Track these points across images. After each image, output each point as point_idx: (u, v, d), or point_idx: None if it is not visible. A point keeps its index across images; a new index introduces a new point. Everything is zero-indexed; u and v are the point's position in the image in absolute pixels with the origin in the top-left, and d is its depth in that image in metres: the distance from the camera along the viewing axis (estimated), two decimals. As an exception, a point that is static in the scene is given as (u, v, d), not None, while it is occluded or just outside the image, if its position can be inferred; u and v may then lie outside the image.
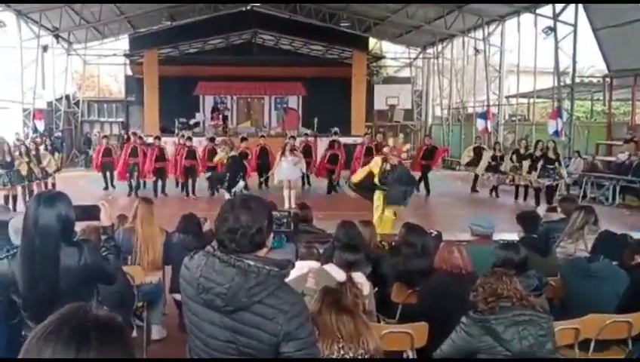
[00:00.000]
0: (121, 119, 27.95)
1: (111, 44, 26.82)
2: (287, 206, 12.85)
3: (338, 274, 4.02)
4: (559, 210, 6.98)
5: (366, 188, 9.96)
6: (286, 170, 13.80)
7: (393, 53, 30.16)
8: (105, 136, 16.39)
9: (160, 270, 5.92)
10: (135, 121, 26.55)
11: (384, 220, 9.35)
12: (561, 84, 18.47)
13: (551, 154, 13.49)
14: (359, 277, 4.01)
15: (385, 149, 10.27)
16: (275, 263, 2.39)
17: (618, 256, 4.88)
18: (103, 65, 28.63)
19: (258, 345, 2.31)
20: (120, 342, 1.39)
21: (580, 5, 17.01)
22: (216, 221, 2.46)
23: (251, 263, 2.33)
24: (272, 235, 2.54)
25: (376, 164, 9.72)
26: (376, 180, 9.62)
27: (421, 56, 28.74)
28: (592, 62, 24.42)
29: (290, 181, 13.71)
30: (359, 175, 10.28)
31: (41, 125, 21.99)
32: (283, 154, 13.97)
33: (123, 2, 19.66)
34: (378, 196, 9.59)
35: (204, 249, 2.48)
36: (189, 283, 2.43)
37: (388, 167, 9.42)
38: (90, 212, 3.70)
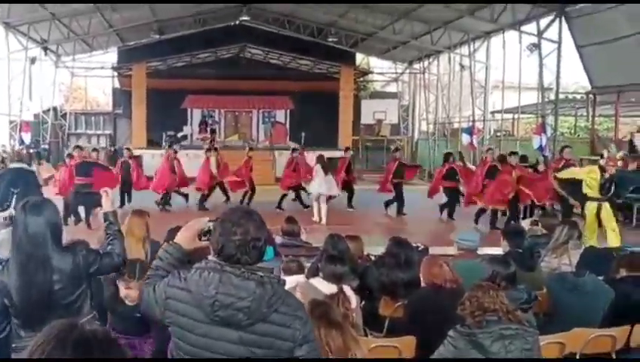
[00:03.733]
0: (108, 131, 27.88)
1: (99, 57, 26.81)
2: (318, 219, 13.27)
3: (325, 287, 4.06)
4: (540, 225, 7.12)
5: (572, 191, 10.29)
6: (325, 184, 13.59)
7: (380, 69, 30.42)
8: (95, 150, 15.74)
9: None
10: (122, 133, 26.58)
11: (612, 233, 9.28)
12: (546, 100, 18.58)
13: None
14: (347, 289, 4.03)
15: (601, 161, 10.24)
16: (270, 271, 2.47)
17: (603, 271, 4.97)
18: (91, 77, 28.59)
19: (275, 353, 2.34)
20: (120, 355, 1.47)
21: (564, 22, 17.27)
22: (220, 235, 2.41)
23: (262, 274, 2.38)
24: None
25: (589, 173, 9.66)
26: (591, 191, 9.55)
27: (408, 71, 28.95)
28: (575, 78, 24.86)
29: (326, 196, 13.60)
30: (565, 174, 10.53)
31: (27, 137, 21.82)
32: (326, 168, 13.73)
33: (110, 2, 19.55)
34: (594, 207, 9.47)
35: (200, 266, 2.43)
36: (194, 304, 2.37)
37: (607, 176, 9.41)
38: (95, 198, 3.82)
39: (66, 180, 12.69)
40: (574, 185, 10.15)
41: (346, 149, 16.80)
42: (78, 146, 14.91)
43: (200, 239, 2.67)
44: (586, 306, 4.50)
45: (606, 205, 9.46)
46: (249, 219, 2.43)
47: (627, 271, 4.76)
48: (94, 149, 15.92)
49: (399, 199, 14.55)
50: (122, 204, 14.46)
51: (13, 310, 3.47)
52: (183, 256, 2.71)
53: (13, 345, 3.48)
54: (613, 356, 4.41)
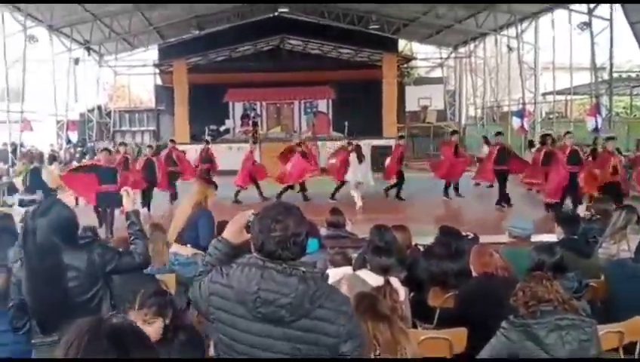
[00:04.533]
0: (152, 128, 28.25)
1: (140, 55, 27.29)
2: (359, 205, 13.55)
3: (372, 279, 3.97)
4: (593, 210, 6.85)
5: None
6: (360, 172, 14.16)
7: (424, 54, 30.13)
8: (149, 146, 15.69)
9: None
10: (166, 129, 26.85)
11: None
12: (599, 79, 18.12)
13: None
14: (395, 281, 3.89)
15: None
16: (313, 266, 2.48)
17: None
18: (133, 75, 28.96)
19: (319, 350, 2.31)
20: (148, 344, 1.51)
21: (617, -1, 16.59)
22: (260, 232, 2.39)
23: (304, 269, 2.36)
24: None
25: None
26: None
27: (453, 55, 28.51)
28: (629, 56, 24.03)
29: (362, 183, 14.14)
30: None
31: (74, 136, 22.35)
32: (360, 156, 14.25)
33: (146, 2, 19.73)
34: None
35: (242, 261, 2.43)
36: (236, 299, 2.36)
37: None
38: (115, 198, 3.76)
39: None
40: None
41: (400, 137, 16.65)
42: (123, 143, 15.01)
43: (248, 232, 2.61)
44: None
45: None
46: (288, 215, 2.41)
47: None
48: (149, 146, 16.03)
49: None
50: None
51: (30, 310, 3.53)
52: (230, 250, 2.68)
53: (34, 341, 3.50)
54: None
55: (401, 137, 16.75)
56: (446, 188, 14.55)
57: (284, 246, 2.35)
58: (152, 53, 26.68)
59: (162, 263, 5.45)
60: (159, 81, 28.28)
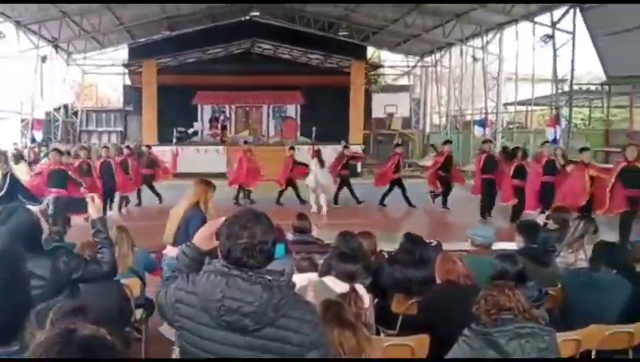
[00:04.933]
0: (119, 129, 27.99)
1: (110, 54, 27.05)
2: (318, 210, 13.84)
3: (338, 286, 3.99)
4: (552, 220, 6.92)
5: None
6: (321, 176, 14.37)
7: (391, 62, 30.47)
8: (105, 147, 14.93)
9: None
10: (133, 130, 26.62)
11: None
12: (560, 91, 18.60)
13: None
14: (360, 288, 3.96)
15: None
16: (281, 274, 2.40)
17: (617, 265, 4.87)
18: (102, 74, 28.70)
19: (283, 359, 2.30)
20: (119, 355, 1.51)
21: (578, 12, 17.13)
22: (228, 238, 2.38)
23: (270, 277, 2.32)
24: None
25: None
26: None
27: (419, 64, 29.00)
28: (590, 69, 24.65)
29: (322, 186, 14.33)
30: None
31: (39, 135, 22.01)
32: (321, 160, 14.56)
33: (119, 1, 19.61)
34: None
35: (208, 269, 2.41)
36: (201, 307, 2.34)
37: None
38: (79, 205, 3.64)
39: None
40: None
41: (396, 145, 16.81)
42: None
43: (217, 239, 2.57)
44: (602, 302, 4.42)
45: None
46: (256, 222, 2.39)
47: None
48: (105, 147, 15.25)
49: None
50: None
51: None
52: (199, 256, 2.66)
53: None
54: (630, 353, 4.34)
55: (398, 145, 16.77)
56: (440, 197, 14.64)
57: (251, 254, 2.34)
58: (121, 53, 26.43)
59: (127, 267, 5.38)
60: (128, 81, 27.99)
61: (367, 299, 3.95)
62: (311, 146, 17.20)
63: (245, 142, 18.31)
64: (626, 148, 10.44)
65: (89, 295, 3.74)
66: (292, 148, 16.28)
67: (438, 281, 4.55)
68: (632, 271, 4.89)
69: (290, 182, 15.32)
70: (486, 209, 13.18)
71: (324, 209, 13.94)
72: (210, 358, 2.35)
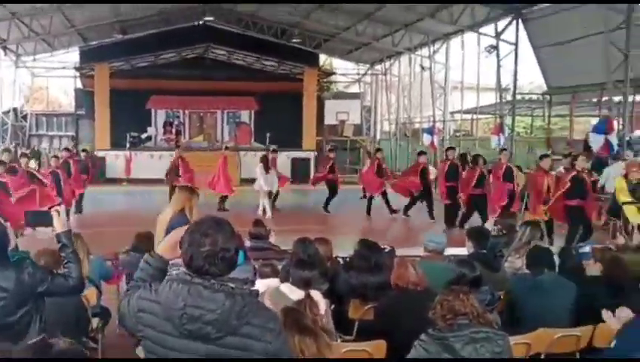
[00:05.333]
0: (71, 133, 27.52)
1: (61, 57, 26.49)
2: (263, 214, 13.82)
3: (294, 293, 4.03)
4: (499, 226, 7.21)
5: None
6: (269, 180, 14.68)
7: (343, 70, 30.84)
8: (55, 157, 14.33)
9: None
10: (85, 134, 26.22)
11: None
12: (503, 100, 19.03)
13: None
14: (316, 294, 3.97)
15: (621, 170, 10.17)
16: (245, 282, 2.41)
17: (563, 269, 5.27)
18: (53, 77, 28.23)
19: None
20: None
21: (521, 24, 17.80)
22: (190, 246, 2.36)
23: (232, 285, 2.32)
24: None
25: (619, 183, 9.79)
26: (624, 196, 9.59)
27: (370, 72, 29.45)
28: (532, 79, 25.60)
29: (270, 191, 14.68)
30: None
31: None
32: (267, 166, 14.77)
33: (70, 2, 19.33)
34: (631, 210, 9.50)
35: (171, 277, 2.41)
36: (163, 316, 2.32)
37: (634, 181, 9.49)
38: (44, 218, 3.61)
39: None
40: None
41: (330, 150, 17.06)
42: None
43: (181, 248, 2.50)
44: (548, 305, 4.57)
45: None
46: (218, 230, 2.36)
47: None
48: (54, 156, 14.53)
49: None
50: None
51: None
52: (163, 265, 2.61)
53: None
54: (578, 356, 4.48)
55: (331, 150, 17.01)
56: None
57: (212, 262, 2.31)
58: (72, 56, 26.00)
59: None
60: (80, 85, 27.58)
61: (323, 304, 3.95)
62: (265, 152, 17.38)
63: (227, 148, 18.26)
64: (578, 157, 10.69)
65: (47, 304, 3.69)
66: (274, 150, 16.56)
67: (394, 286, 4.67)
68: (579, 275, 5.14)
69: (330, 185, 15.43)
70: (454, 216, 13.21)
71: (269, 213, 14.11)
72: None
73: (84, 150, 17.15)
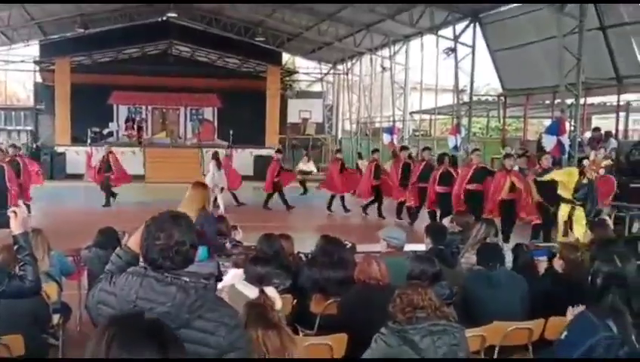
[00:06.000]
0: (29, 128, 27.07)
1: (20, 50, 26.00)
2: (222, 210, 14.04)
3: (248, 290, 3.99)
4: (455, 222, 7.28)
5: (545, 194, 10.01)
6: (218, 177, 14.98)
7: (306, 69, 31.06)
8: (13, 145, 13.90)
9: None
10: (45, 129, 25.88)
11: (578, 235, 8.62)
12: (460, 101, 19.34)
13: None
14: (271, 291, 3.88)
15: (584, 162, 9.68)
16: (205, 276, 2.43)
17: (516, 265, 5.52)
18: (10, 71, 27.75)
19: (199, 360, 2.28)
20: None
21: (478, 28, 18.16)
22: (145, 240, 2.40)
23: (187, 279, 2.33)
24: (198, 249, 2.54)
25: (569, 175, 9.43)
26: (565, 193, 9.33)
27: (332, 72, 29.75)
28: (488, 80, 25.97)
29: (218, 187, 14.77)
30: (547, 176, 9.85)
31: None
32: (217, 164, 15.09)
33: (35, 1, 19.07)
34: (564, 209, 9.28)
35: (129, 270, 2.43)
36: (118, 308, 2.32)
37: (585, 180, 9.18)
38: (2, 219, 3.55)
39: None
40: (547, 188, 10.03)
41: (278, 150, 17.23)
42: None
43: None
44: (502, 298, 4.65)
45: (579, 209, 9.20)
46: (173, 224, 2.40)
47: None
48: (12, 145, 14.03)
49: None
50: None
51: None
52: (133, 259, 2.64)
53: None
54: (530, 348, 4.58)
55: (279, 151, 17.19)
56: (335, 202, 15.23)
57: (166, 256, 2.33)
58: (32, 49, 25.58)
59: (42, 271, 4.79)
60: (39, 79, 27.22)
61: (279, 301, 3.86)
62: (228, 149, 17.54)
63: (229, 147, 18.74)
64: (542, 157, 10.97)
65: (5, 301, 3.66)
66: (279, 150, 16.68)
67: (356, 281, 4.71)
68: (530, 271, 5.42)
69: (277, 187, 15.55)
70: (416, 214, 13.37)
71: (222, 209, 14.23)
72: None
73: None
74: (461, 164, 14.66)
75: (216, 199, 13.97)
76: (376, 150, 16.41)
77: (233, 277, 4.32)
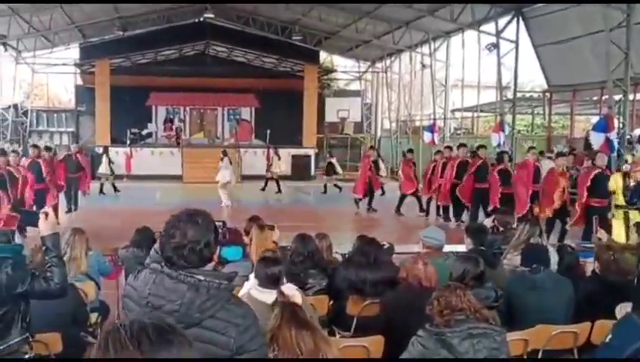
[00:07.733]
0: (71, 129, 27.58)
1: (61, 53, 26.47)
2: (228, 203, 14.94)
3: (263, 294, 3.85)
4: (496, 222, 7.10)
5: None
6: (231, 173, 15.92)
7: (343, 67, 30.91)
8: (35, 146, 13.39)
9: None
10: (86, 131, 26.34)
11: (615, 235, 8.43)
12: (504, 98, 18.92)
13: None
14: (289, 288, 3.91)
15: (624, 166, 9.65)
16: (224, 276, 2.41)
17: (561, 267, 5.24)
18: (53, 74, 28.17)
19: (208, 359, 2.26)
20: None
21: (522, 22, 17.75)
22: (162, 237, 2.42)
23: (201, 278, 2.32)
24: (218, 248, 2.52)
25: (615, 182, 9.08)
26: (618, 199, 9.02)
27: (370, 70, 29.47)
28: (532, 77, 25.51)
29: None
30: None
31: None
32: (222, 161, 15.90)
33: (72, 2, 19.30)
34: (621, 214, 8.97)
35: (150, 266, 2.45)
36: (137, 302, 2.36)
37: (632, 183, 8.84)
38: (32, 218, 3.52)
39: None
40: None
41: (371, 148, 17.10)
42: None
43: None
44: (546, 302, 4.52)
45: (634, 213, 8.85)
46: (189, 222, 2.38)
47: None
48: (34, 145, 13.68)
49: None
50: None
51: None
52: None
53: None
54: (575, 352, 4.46)
55: (372, 148, 17.14)
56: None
57: (180, 254, 2.33)
58: (73, 52, 26.01)
59: (80, 270, 5.19)
60: (80, 81, 27.63)
61: (298, 296, 3.82)
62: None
63: (372, 148, 18.55)
64: (597, 155, 10.45)
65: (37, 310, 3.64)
66: (372, 147, 16.81)
67: (402, 282, 4.63)
68: (577, 272, 5.22)
69: (370, 190, 15.02)
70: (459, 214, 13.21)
71: (227, 203, 15.07)
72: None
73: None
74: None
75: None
76: (410, 150, 16.20)
77: (250, 284, 4.20)
